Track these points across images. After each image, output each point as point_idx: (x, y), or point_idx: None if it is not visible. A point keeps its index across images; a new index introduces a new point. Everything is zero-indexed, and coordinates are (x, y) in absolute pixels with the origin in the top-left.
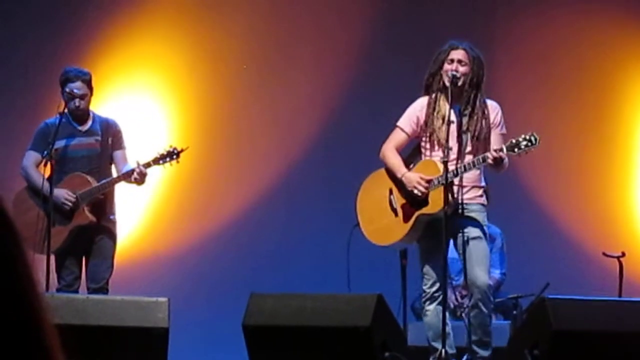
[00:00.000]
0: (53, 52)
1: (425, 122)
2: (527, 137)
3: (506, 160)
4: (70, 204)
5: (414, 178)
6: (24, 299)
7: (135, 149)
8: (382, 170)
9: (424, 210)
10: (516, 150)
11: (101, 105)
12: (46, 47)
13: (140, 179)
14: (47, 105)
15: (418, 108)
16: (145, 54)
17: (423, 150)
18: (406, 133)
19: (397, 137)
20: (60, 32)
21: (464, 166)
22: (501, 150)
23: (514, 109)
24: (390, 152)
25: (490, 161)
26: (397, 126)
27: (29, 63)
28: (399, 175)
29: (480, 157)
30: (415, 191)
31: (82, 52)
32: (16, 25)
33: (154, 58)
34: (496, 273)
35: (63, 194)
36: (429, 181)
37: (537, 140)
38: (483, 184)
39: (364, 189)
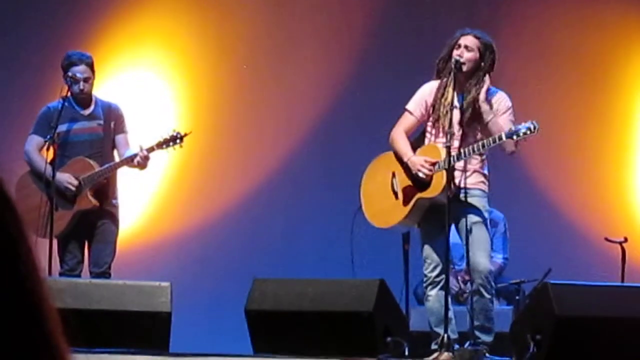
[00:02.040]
0: (54, 31)
1: (432, 107)
2: (527, 125)
3: (512, 146)
4: (73, 188)
5: (418, 161)
6: (25, 282)
7: (140, 129)
8: (386, 154)
9: (424, 194)
10: (515, 137)
11: (106, 84)
12: (47, 26)
13: (143, 163)
14: (49, 87)
15: (427, 92)
16: (150, 30)
17: (428, 135)
18: (415, 117)
19: (406, 121)
20: (61, 9)
21: (465, 151)
22: (500, 137)
23: (516, 94)
24: (398, 136)
25: (481, 151)
26: (406, 110)
27: (29, 44)
28: (405, 159)
29: (481, 142)
30: (420, 174)
31: (85, 30)
32: (16, 4)
33: (159, 34)
34: (498, 258)
35: (66, 178)
36: (433, 164)
37: (537, 129)
38: (485, 171)
39: (368, 172)
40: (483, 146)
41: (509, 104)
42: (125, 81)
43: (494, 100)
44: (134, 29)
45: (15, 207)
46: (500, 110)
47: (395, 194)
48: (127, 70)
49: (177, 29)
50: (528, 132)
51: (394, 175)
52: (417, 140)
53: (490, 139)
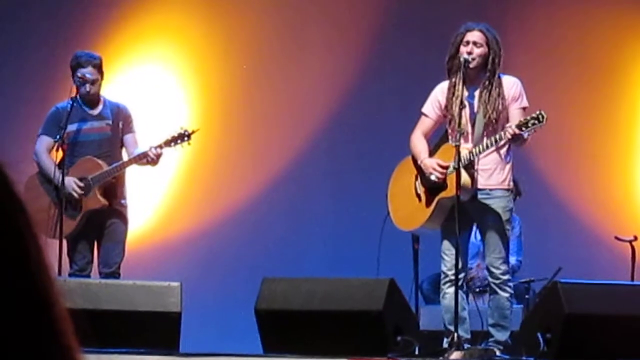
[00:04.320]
0: (63, 29)
1: (446, 107)
2: (535, 116)
3: (525, 134)
4: (79, 191)
5: (430, 164)
6: (36, 282)
7: (149, 126)
8: (410, 158)
9: (444, 194)
10: (524, 129)
11: (114, 81)
12: (56, 24)
13: (156, 160)
14: (58, 86)
15: (439, 92)
16: (159, 27)
17: (448, 135)
18: (431, 118)
19: (422, 124)
20: (69, 6)
21: (480, 147)
22: (509, 132)
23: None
24: (415, 139)
25: (509, 136)
26: (421, 112)
27: (38, 42)
28: (418, 162)
29: (494, 136)
30: (433, 177)
31: (93, 27)
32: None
33: (168, 32)
34: (512, 259)
35: (72, 183)
36: (446, 167)
37: (545, 118)
38: (509, 166)
39: (394, 176)
40: (495, 141)
41: (518, 89)
42: (134, 79)
43: (505, 88)
44: (143, 26)
45: (25, 206)
46: (513, 98)
47: (419, 196)
48: (136, 67)
49: (185, 27)
50: (537, 122)
51: (416, 177)
52: (442, 139)
53: (501, 134)
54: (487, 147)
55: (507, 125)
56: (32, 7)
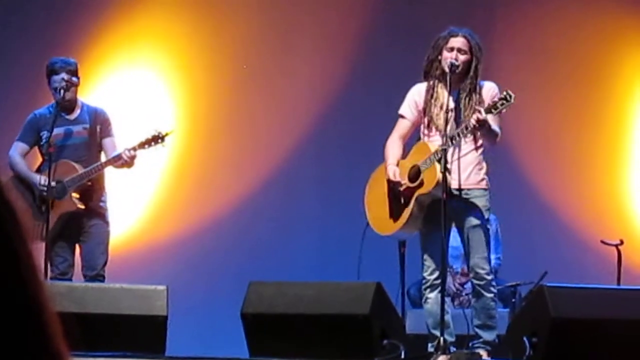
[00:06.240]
0: (49, 33)
1: (424, 109)
2: (502, 96)
3: (496, 129)
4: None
5: (390, 170)
6: (26, 286)
7: (134, 130)
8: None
9: (421, 191)
10: (493, 110)
11: (101, 86)
12: (41, 29)
13: (130, 162)
14: (46, 90)
15: (415, 93)
16: (146, 31)
17: (422, 135)
18: (408, 120)
19: (400, 126)
20: (55, 10)
21: (451, 138)
22: (479, 112)
23: None
24: (389, 143)
25: (474, 121)
26: (399, 115)
27: (26, 47)
28: (384, 165)
29: (462, 127)
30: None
31: (80, 31)
32: (7, 3)
33: (155, 36)
34: (492, 258)
35: (38, 181)
36: (397, 183)
37: (512, 97)
38: (484, 165)
39: (370, 183)
40: (466, 128)
41: (496, 93)
42: (121, 82)
43: (484, 93)
44: (129, 30)
45: (15, 211)
46: (486, 103)
47: (397, 198)
48: (122, 71)
49: (172, 31)
50: (505, 102)
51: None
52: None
53: (467, 122)
54: (457, 137)
55: (476, 109)
56: (19, 12)
